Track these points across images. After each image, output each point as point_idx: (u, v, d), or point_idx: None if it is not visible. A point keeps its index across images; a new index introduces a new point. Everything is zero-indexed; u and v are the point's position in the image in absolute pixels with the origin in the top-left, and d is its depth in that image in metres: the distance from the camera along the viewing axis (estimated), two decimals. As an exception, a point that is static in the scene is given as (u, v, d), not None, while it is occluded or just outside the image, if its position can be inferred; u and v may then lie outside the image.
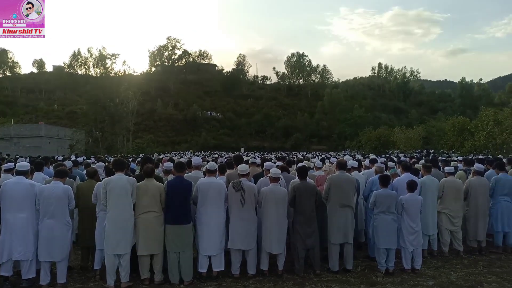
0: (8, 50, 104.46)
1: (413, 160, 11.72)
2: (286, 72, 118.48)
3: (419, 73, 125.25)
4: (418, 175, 6.79)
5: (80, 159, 10.99)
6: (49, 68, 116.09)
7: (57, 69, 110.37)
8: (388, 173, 6.71)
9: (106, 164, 7.83)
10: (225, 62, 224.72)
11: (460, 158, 11.47)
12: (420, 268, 5.86)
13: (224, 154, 33.71)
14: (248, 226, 5.58)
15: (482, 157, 14.17)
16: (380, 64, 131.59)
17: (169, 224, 5.37)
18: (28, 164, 5.85)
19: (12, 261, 5.19)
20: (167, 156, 20.38)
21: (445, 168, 7.22)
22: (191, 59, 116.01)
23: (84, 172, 7.27)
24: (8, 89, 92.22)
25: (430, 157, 16.58)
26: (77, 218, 6.17)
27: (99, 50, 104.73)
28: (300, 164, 6.75)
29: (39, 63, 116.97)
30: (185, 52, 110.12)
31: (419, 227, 5.90)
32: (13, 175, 5.96)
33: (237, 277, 5.57)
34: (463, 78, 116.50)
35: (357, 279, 5.53)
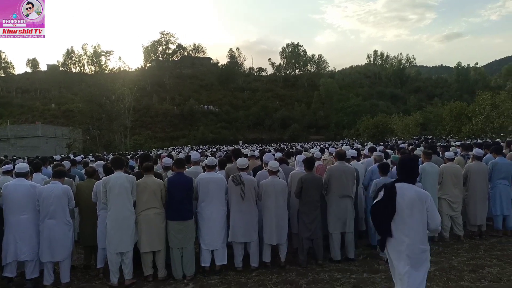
0: (0, 50, 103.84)
1: (411, 147, 11.73)
2: (281, 63, 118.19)
3: (414, 59, 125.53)
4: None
5: (78, 158, 10.97)
6: (43, 67, 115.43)
7: (51, 68, 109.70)
8: (389, 161, 6.72)
9: (105, 162, 7.80)
10: (220, 55, 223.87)
11: (458, 143, 11.49)
12: None
13: (223, 148, 33.70)
14: (249, 219, 5.60)
15: (480, 141, 14.21)
16: (375, 51, 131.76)
17: (171, 220, 5.39)
18: (28, 165, 5.82)
19: (16, 262, 5.20)
20: (165, 152, 20.38)
21: (445, 154, 7.24)
22: (186, 53, 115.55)
23: (83, 171, 7.26)
24: (3, 90, 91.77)
25: (429, 143, 16.61)
26: (78, 217, 6.16)
27: (94, 47, 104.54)
28: (300, 155, 6.74)
29: (33, 63, 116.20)
30: (180, 47, 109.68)
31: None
32: (12, 176, 5.94)
33: (240, 270, 5.60)
34: (459, 63, 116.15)
35: (359, 268, 5.56)
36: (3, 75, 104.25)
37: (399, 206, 3.35)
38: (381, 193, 3.53)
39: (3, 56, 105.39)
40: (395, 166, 6.57)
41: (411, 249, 3.30)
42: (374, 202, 3.59)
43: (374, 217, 3.55)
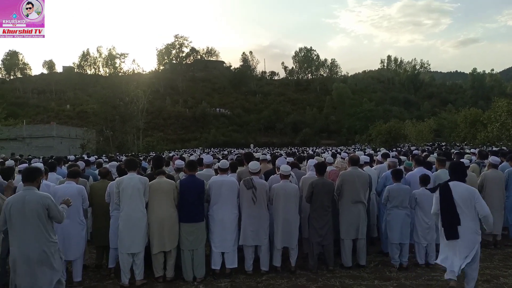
0: (18, 52, 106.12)
1: (424, 153, 11.59)
2: (294, 67, 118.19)
3: (429, 65, 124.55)
4: (431, 169, 6.71)
5: (92, 158, 11.10)
6: (59, 68, 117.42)
7: (67, 69, 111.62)
8: (402, 167, 6.65)
9: (119, 163, 7.89)
10: (233, 59, 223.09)
11: (473, 150, 11.31)
12: (434, 262, 5.80)
13: (234, 151, 33.76)
14: (260, 223, 5.59)
15: (496, 149, 13.96)
16: (389, 56, 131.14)
17: (182, 222, 5.41)
18: (42, 165, 5.92)
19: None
20: (177, 154, 20.51)
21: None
22: (199, 56, 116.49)
23: (97, 172, 7.34)
24: (20, 90, 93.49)
25: (443, 149, 16.39)
26: (91, 217, 6.24)
27: (109, 50, 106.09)
28: (311, 159, 6.72)
29: (49, 64, 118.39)
30: (193, 50, 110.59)
31: (433, 221, 5.81)
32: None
33: (250, 273, 5.59)
34: (475, 69, 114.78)
35: (370, 275, 5.50)
36: (20, 76, 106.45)
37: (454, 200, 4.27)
38: (436, 193, 4.46)
39: (20, 57, 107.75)
40: (408, 173, 6.55)
41: (466, 234, 4.24)
42: (437, 208, 4.46)
43: (443, 216, 4.36)
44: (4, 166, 7.30)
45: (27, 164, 6.52)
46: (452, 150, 14.64)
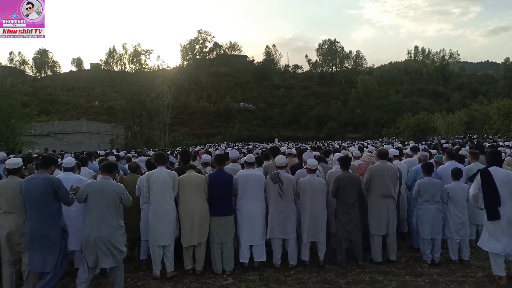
0: (48, 50, 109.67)
1: (456, 146, 11.24)
2: (318, 60, 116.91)
3: (458, 55, 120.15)
4: (463, 162, 6.50)
5: (121, 153, 11.38)
6: (87, 66, 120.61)
7: (95, 66, 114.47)
8: (432, 161, 6.47)
9: (148, 158, 8.03)
10: (256, 53, 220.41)
11: (507, 143, 10.85)
12: (469, 259, 5.64)
13: (259, 145, 33.79)
14: (287, 217, 5.58)
15: (532, 141, 13.36)
16: (416, 47, 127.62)
17: (212, 216, 5.47)
18: (74, 160, 6.09)
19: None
20: (203, 149, 20.73)
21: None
22: (222, 51, 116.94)
23: (126, 166, 7.51)
24: (50, 87, 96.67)
25: (474, 142, 15.85)
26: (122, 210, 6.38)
27: (134, 46, 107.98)
28: (337, 153, 6.64)
29: (78, 62, 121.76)
30: (216, 45, 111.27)
31: (466, 216, 5.65)
32: (61, 170, 6.25)
33: (279, 267, 5.59)
34: (507, 58, 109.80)
35: (401, 270, 5.40)
36: (51, 73, 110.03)
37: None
38: (478, 177, 4.83)
39: (50, 56, 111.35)
40: (440, 166, 6.36)
41: (508, 213, 4.67)
42: (476, 190, 4.85)
43: (486, 199, 4.74)
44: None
45: (60, 159, 6.74)
46: (485, 143, 14.11)
